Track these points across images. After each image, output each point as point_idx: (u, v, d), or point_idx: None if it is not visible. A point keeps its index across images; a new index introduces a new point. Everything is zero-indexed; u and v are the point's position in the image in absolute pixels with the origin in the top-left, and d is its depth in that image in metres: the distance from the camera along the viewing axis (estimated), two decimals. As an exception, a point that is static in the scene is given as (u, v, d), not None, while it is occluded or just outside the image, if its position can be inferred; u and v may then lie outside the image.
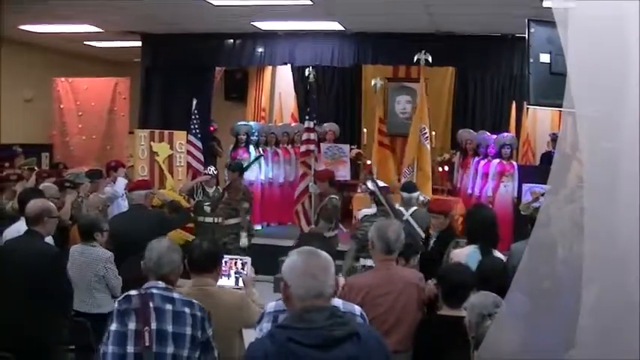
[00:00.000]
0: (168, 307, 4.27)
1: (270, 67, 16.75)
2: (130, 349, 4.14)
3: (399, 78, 16.07)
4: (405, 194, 9.05)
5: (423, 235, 8.27)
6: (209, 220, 10.45)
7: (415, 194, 9.15)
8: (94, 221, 7.15)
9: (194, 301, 4.41)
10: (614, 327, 2.67)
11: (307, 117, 12.31)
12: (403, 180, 11.51)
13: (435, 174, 14.48)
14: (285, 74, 17.07)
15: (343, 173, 14.07)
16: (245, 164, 12.04)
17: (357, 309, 4.13)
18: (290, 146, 14.59)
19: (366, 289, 5.07)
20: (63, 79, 15.10)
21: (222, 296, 5.07)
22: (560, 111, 13.67)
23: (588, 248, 2.94)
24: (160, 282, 4.40)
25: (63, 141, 15.06)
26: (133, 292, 4.32)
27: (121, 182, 10.29)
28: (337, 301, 4.01)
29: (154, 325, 4.19)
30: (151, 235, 7.76)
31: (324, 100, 16.62)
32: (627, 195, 2.80)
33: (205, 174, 11.26)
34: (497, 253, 6.09)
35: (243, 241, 10.13)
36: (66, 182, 9.27)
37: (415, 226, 8.48)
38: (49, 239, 6.53)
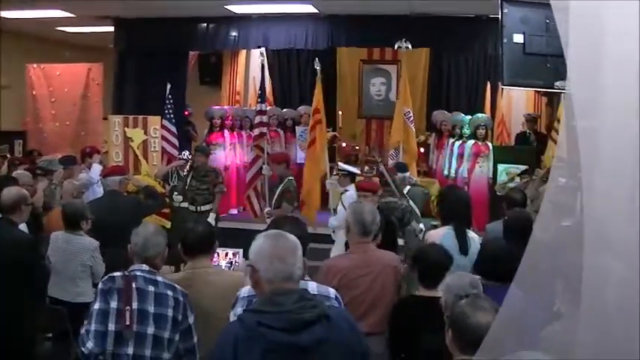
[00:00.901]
0: (151, 288, 4.33)
1: (244, 51, 16.65)
2: (112, 326, 4.21)
3: (374, 60, 16.10)
4: (399, 174, 9.52)
5: (419, 212, 8.78)
6: (184, 205, 10.45)
7: (407, 174, 9.73)
8: (79, 209, 7.07)
9: (177, 286, 4.44)
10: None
11: (259, 100, 12.31)
12: (391, 162, 11.59)
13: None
14: (259, 58, 17.00)
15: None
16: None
17: (332, 292, 4.10)
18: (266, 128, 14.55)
19: (344, 271, 5.07)
20: (35, 65, 14.92)
21: (221, 276, 5.10)
22: (535, 91, 13.82)
23: (565, 225, 2.96)
24: (144, 265, 4.45)
25: (36, 128, 14.89)
26: (117, 274, 4.39)
27: (96, 168, 10.23)
28: (312, 285, 4.01)
29: (135, 305, 4.25)
30: (127, 220, 7.79)
31: (298, 83, 16.61)
32: (605, 174, 2.80)
33: (180, 159, 11.23)
34: (472, 234, 6.11)
35: (210, 220, 10.09)
36: (37, 169, 9.20)
37: (412, 204, 8.85)
38: (23, 227, 6.49)
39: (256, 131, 12.15)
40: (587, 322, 2.64)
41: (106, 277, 4.46)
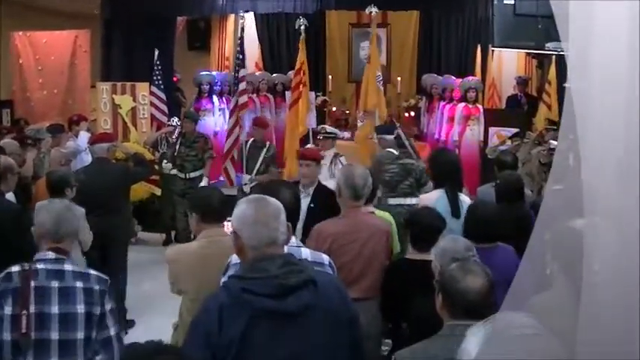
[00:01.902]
0: (55, 284, 3.82)
1: (232, 16, 16.50)
2: (7, 336, 3.72)
3: (363, 24, 15.96)
4: (388, 136, 9.23)
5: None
6: (173, 172, 10.42)
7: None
8: (63, 176, 6.98)
9: (91, 272, 4.02)
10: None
11: (238, 66, 10.99)
12: (359, 123, 11.58)
13: (402, 119, 14.50)
14: (248, 22, 16.85)
15: (310, 121, 14.00)
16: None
17: (326, 258, 4.06)
18: (255, 95, 14.42)
19: (334, 235, 5.04)
20: (21, 33, 14.78)
21: None
22: (526, 53, 13.77)
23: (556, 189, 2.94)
24: (49, 253, 3.94)
25: (24, 97, 14.81)
26: (15, 268, 3.87)
27: (84, 136, 10.16)
28: (306, 251, 3.98)
29: (32, 309, 3.74)
30: (115, 188, 7.75)
31: (288, 48, 16.51)
32: (593, 136, 2.77)
33: (169, 125, 11.16)
34: (464, 197, 6.10)
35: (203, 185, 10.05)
36: (27, 139, 9.12)
37: None
38: (10, 196, 6.43)
39: (240, 100, 10.84)
40: (577, 286, 2.64)
41: (2, 274, 3.88)
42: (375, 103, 11.59)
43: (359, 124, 11.36)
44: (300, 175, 6.97)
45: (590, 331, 2.52)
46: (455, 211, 5.81)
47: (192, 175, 10.40)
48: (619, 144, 2.65)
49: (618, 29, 2.67)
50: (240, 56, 11.02)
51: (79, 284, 3.85)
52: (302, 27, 10.71)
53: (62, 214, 4.05)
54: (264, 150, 9.98)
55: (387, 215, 5.89)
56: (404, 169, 7.96)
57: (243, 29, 11.40)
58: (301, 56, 11.15)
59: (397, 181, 7.90)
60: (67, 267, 3.90)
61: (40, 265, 3.86)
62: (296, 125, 11.36)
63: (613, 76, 2.68)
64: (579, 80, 2.84)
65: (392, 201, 7.82)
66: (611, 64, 2.69)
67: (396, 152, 8.41)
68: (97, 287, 3.91)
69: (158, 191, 10.77)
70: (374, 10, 11.23)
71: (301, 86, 11.22)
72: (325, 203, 5.96)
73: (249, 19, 16.48)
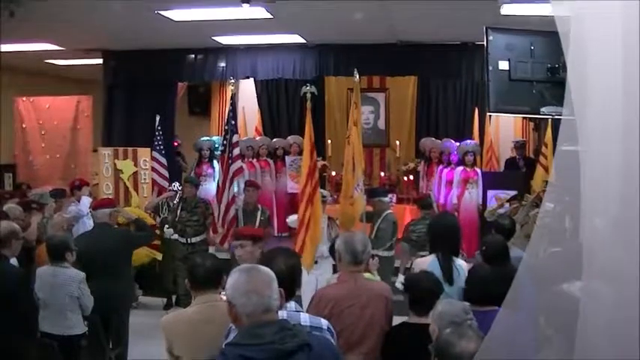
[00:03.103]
0: None
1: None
2: None
3: (362, 89, 16.12)
4: (381, 199, 9.92)
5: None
6: (174, 237, 10.46)
7: (388, 198, 9.72)
8: (63, 241, 7.04)
9: None
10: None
11: (230, 132, 10.39)
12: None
13: (401, 183, 14.62)
14: (247, 88, 17.04)
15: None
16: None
17: (325, 323, 4.11)
18: (255, 160, 14.51)
19: (334, 300, 5.06)
20: (24, 98, 14.95)
21: None
22: (523, 117, 13.90)
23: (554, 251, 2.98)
24: None
25: (26, 161, 14.90)
26: None
27: (86, 201, 10.22)
28: (304, 316, 4.03)
29: None
30: (117, 252, 7.78)
31: (288, 113, 16.70)
32: (590, 198, 2.82)
33: (170, 190, 11.23)
34: (459, 261, 6.09)
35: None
36: (32, 203, 9.19)
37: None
38: (13, 261, 6.48)
39: (234, 167, 10.31)
40: (579, 347, 2.66)
41: None
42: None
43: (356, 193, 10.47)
44: (237, 256, 6.04)
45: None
46: (447, 276, 5.80)
47: (194, 240, 10.42)
48: (615, 203, 2.70)
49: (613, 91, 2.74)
50: (233, 122, 10.60)
51: None
52: (308, 94, 9.66)
53: None
54: (259, 212, 10.06)
55: (371, 276, 5.98)
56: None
57: (233, 95, 11.16)
58: (307, 130, 9.91)
59: (425, 240, 8.30)
60: None
61: None
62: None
63: (606, 138, 2.74)
64: (573, 143, 2.89)
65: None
66: (605, 127, 2.75)
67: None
68: None
69: (159, 256, 10.79)
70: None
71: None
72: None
73: (250, 85, 16.71)
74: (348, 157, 9.44)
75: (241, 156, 11.86)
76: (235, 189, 10.77)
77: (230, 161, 10.02)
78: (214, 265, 4.86)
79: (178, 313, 4.80)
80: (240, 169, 11.04)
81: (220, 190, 10.04)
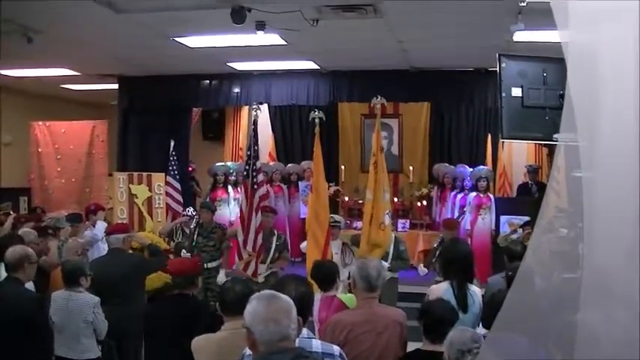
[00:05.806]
0: None
1: (246, 107, 16.76)
2: None
3: (375, 115, 16.19)
4: None
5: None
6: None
7: None
8: (79, 267, 7.08)
9: None
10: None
11: (253, 158, 9.98)
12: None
13: (414, 209, 14.61)
14: (261, 114, 17.07)
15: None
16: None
17: (337, 349, 4.13)
18: (269, 185, 14.57)
19: (350, 326, 5.08)
20: (40, 122, 15.10)
21: None
22: (535, 143, 13.88)
23: (567, 277, 2.99)
24: None
25: (42, 185, 15.04)
26: None
27: (101, 225, 10.26)
28: (316, 343, 4.05)
29: None
30: (131, 278, 7.81)
31: (301, 138, 16.74)
32: (602, 225, 2.84)
33: (184, 215, 11.26)
34: (474, 287, 6.07)
35: (221, 276, 10.05)
36: (48, 229, 9.25)
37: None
38: (29, 285, 6.51)
39: (260, 192, 10.11)
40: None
41: None
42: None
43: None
44: None
45: None
46: (462, 304, 5.78)
47: (210, 265, 10.37)
48: (629, 230, 2.71)
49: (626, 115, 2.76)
50: (255, 147, 10.12)
51: None
52: (317, 120, 9.94)
53: None
54: (275, 237, 10.07)
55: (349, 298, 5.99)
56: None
57: (255, 121, 10.46)
58: (317, 151, 10.01)
59: None
60: None
61: None
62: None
63: (620, 163, 2.76)
64: (586, 169, 2.91)
65: None
66: (619, 152, 2.77)
67: None
68: None
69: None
70: (379, 101, 10.56)
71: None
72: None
73: (263, 111, 16.76)
74: (378, 184, 9.57)
75: (262, 182, 11.75)
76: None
77: (256, 186, 9.87)
78: (244, 291, 4.79)
79: (210, 336, 4.79)
80: (266, 195, 11.13)
81: (248, 216, 9.85)
